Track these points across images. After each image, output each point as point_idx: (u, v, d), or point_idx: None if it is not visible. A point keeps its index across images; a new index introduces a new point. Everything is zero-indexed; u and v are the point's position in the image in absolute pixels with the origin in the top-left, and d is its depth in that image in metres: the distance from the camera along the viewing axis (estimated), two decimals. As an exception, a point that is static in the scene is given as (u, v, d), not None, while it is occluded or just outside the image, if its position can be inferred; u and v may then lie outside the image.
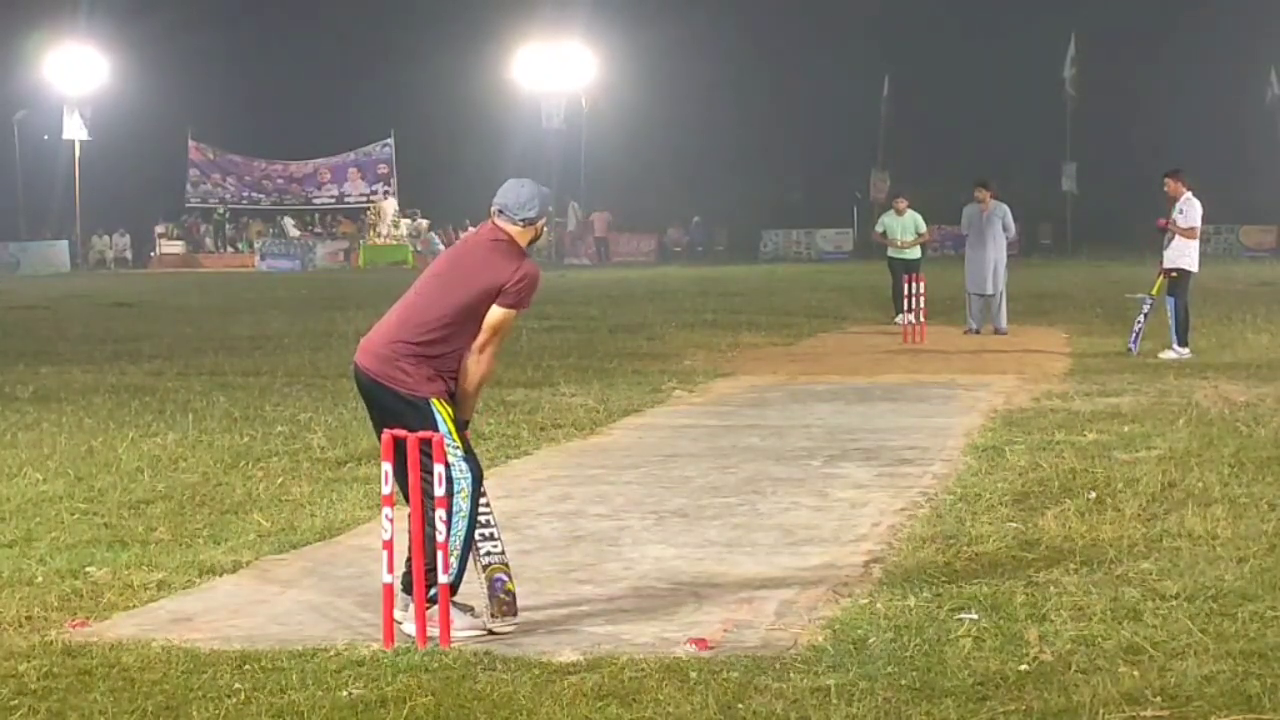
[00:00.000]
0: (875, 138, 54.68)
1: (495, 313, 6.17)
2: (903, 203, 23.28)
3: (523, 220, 6.28)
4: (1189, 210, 16.25)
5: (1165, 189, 16.61)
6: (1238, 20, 52.57)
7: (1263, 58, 52.05)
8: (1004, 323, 19.91)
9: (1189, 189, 16.32)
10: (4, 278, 44.48)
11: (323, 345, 18.96)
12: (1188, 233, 16.25)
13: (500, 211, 6.32)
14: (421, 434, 5.96)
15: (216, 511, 8.54)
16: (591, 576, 7.03)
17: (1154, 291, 16.83)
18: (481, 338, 6.19)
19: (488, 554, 6.15)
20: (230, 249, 56.75)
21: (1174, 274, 16.33)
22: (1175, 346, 16.10)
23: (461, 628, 5.98)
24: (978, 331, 19.89)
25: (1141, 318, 16.82)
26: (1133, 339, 16.68)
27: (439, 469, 5.85)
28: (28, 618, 6.34)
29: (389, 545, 5.86)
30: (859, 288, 25.05)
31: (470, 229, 54.75)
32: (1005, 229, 20.19)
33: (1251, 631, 5.79)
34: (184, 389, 14.47)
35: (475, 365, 6.21)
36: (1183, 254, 16.31)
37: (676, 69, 56.51)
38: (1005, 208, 20.33)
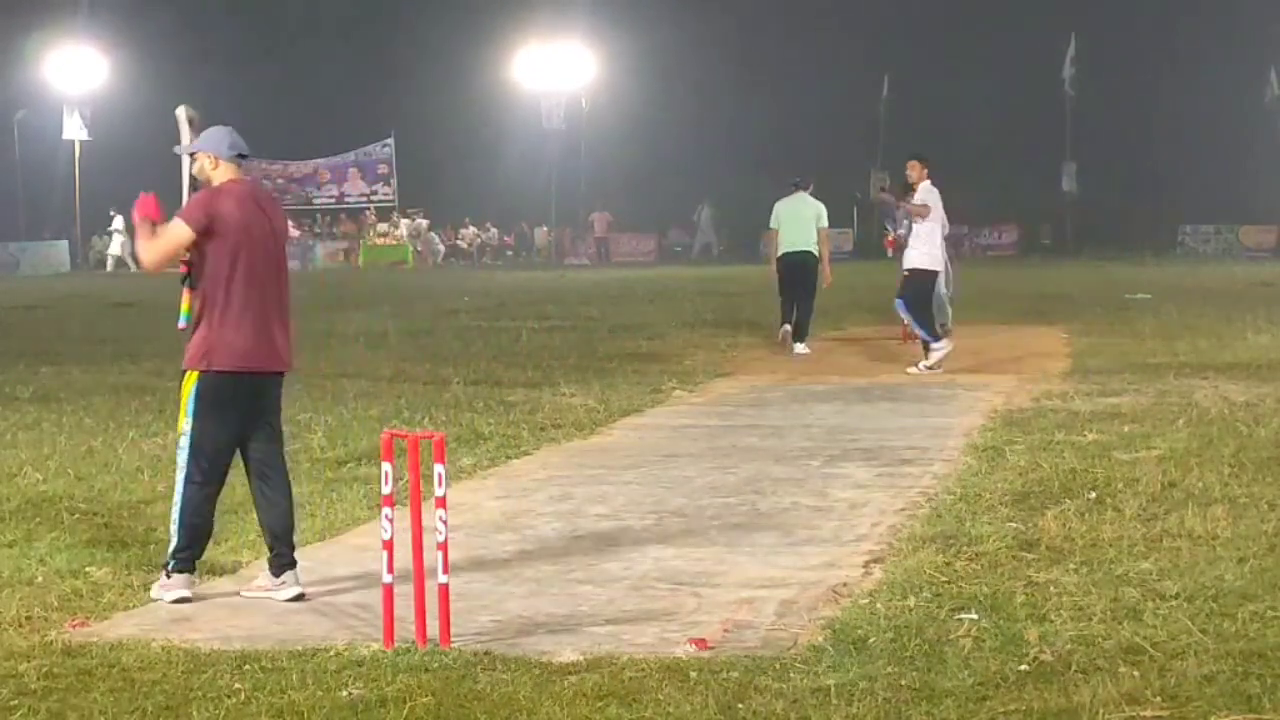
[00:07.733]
0: (875, 138, 54.62)
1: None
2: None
3: (241, 159, 6.85)
4: (933, 200, 15.15)
5: (908, 173, 15.40)
6: (1238, 20, 52.52)
7: (1263, 58, 52.01)
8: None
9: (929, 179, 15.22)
10: (4, 278, 44.43)
11: (323, 345, 18.95)
12: (919, 210, 15.03)
13: (241, 156, 6.80)
14: (422, 434, 5.96)
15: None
16: (591, 576, 7.03)
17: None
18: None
19: None
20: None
21: (920, 272, 15.18)
22: (933, 346, 15.04)
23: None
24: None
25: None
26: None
27: (439, 469, 5.85)
28: (28, 618, 6.34)
29: (389, 545, 5.86)
30: (859, 287, 24.95)
31: (468, 227, 53.15)
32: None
33: (1251, 631, 5.79)
34: (184, 389, 14.44)
35: None
36: (925, 252, 15.20)
37: (676, 69, 56.45)
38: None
